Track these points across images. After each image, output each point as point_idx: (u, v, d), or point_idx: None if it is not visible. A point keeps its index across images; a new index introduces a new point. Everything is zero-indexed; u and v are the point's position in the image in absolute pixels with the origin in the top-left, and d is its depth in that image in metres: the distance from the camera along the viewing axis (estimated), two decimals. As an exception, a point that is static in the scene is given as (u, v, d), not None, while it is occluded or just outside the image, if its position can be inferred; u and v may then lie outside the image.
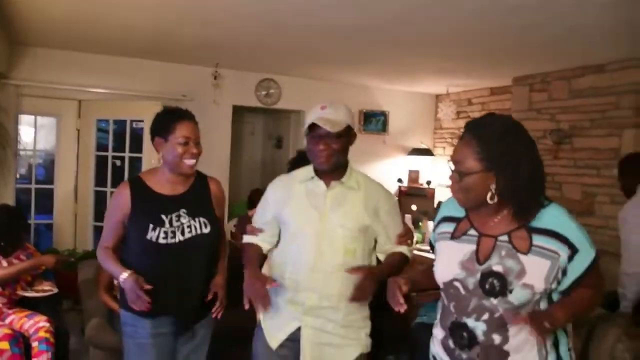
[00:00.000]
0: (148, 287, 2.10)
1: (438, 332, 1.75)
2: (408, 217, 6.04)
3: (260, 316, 2.19)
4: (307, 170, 2.14)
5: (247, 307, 1.94)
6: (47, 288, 3.33)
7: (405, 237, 2.18)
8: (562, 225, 1.55)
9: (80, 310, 3.81)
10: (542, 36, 3.93)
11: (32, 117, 5.44)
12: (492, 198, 1.56)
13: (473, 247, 1.62)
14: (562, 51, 4.43)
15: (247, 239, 2.21)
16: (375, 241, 2.16)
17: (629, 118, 4.55)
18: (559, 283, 1.56)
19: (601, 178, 4.75)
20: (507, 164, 1.53)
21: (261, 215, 2.21)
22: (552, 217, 1.57)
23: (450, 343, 1.67)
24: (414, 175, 7.05)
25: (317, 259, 2.01)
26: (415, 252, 5.21)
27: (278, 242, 2.19)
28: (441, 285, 1.71)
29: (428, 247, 5.26)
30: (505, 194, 1.56)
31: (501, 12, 3.38)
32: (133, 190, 2.22)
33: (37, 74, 5.16)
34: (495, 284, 1.55)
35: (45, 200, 5.58)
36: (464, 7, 3.31)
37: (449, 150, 7.03)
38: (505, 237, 1.58)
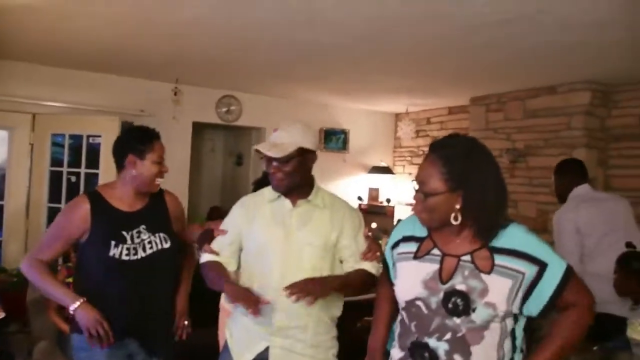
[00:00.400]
0: (109, 333, 2.02)
1: (396, 353, 1.71)
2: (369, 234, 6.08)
3: (227, 335, 2.14)
4: (272, 191, 2.13)
5: (256, 314, 1.89)
6: None
7: (370, 253, 2.12)
8: (524, 243, 1.55)
9: (28, 332, 3.67)
10: (497, 57, 4.05)
11: (-17, 131, 5.26)
12: (455, 219, 1.56)
13: (436, 266, 1.61)
14: (517, 72, 4.57)
15: (207, 257, 2.14)
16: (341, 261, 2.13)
17: (580, 138, 4.71)
18: (523, 302, 1.53)
19: (554, 196, 4.88)
20: (472, 184, 1.54)
21: (224, 238, 2.14)
22: (513, 236, 1.57)
23: None
24: (374, 193, 7.10)
25: (284, 279, 1.95)
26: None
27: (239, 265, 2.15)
28: (402, 305, 1.68)
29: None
30: (469, 213, 1.56)
31: (457, 34, 3.47)
32: (93, 205, 2.16)
33: (-11, 86, 5.00)
34: (458, 303, 1.53)
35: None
36: (424, 28, 3.39)
37: (409, 169, 7.13)
38: (468, 257, 1.57)
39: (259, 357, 2.03)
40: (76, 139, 5.48)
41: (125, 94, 5.61)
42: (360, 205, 6.93)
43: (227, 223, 2.16)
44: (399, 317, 1.71)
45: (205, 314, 2.72)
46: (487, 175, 1.56)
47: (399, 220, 6.34)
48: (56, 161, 5.48)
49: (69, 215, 2.18)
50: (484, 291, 1.52)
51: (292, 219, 2.05)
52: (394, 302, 1.85)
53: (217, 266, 2.08)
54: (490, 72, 4.60)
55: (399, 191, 6.94)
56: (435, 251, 1.63)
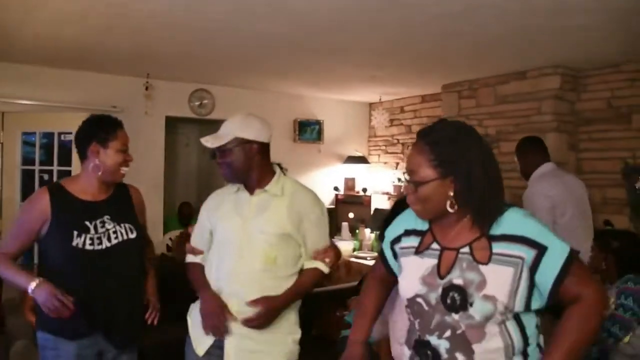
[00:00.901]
0: (70, 298, 1.97)
1: (405, 351, 1.68)
2: (345, 225, 6.11)
3: (189, 322, 2.18)
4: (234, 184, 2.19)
5: (208, 334, 2.03)
6: None
7: (324, 255, 2.15)
8: (521, 226, 1.48)
9: (4, 332, 3.62)
10: (465, 44, 4.09)
11: (-50, 131, 5.16)
12: (452, 206, 1.51)
13: (434, 261, 1.56)
14: (487, 59, 4.63)
15: (190, 258, 2.22)
16: None
17: (550, 122, 4.80)
18: (529, 298, 1.46)
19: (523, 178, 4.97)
20: (462, 168, 1.49)
21: (199, 233, 2.22)
22: (510, 220, 1.50)
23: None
24: (350, 183, 7.13)
25: (237, 264, 2.03)
26: (353, 259, 5.27)
27: None
28: (405, 303, 1.64)
29: (366, 255, 5.35)
30: (463, 199, 1.50)
31: (424, 22, 3.49)
32: (52, 196, 2.13)
33: (-45, 85, 4.90)
34: (455, 298, 1.48)
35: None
36: (388, 17, 3.40)
37: (384, 158, 7.17)
38: (466, 249, 1.52)
39: (217, 344, 2.06)
40: (48, 137, 5.40)
41: (96, 90, 5.53)
42: (337, 195, 6.96)
43: (199, 218, 2.24)
44: (406, 314, 1.67)
45: (176, 310, 2.71)
46: (475, 158, 1.50)
47: (375, 210, 6.39)
48: (28, 160, 5.40)
49: (28, 208, 2.16)
50: (482, 283, 1.45)
51: (249, 207, 2.09)
52: (383, 296, 1.87)
53: (198, 270, 2.17)
54: (460, 59, 4.64)
55: (375, 180, 6.98)
56: (435, 245, 1.59)
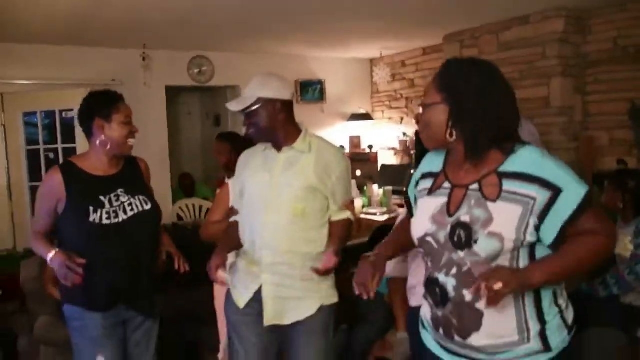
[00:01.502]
0: (81, 261, 2.05)
1: (420, 290, 1.72)
2: (353, 182, 6.12)
3: (229, 278, 2.21)
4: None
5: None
6: None
7: (351, 206, 2.27)
8: (537, 166, 1.44)
9: (27, 310, 3.69)
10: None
11: (-49, 115, 5.14)
12: (450, 135, 1.50)
13: (445, 199, 1.56)
14: (488, 4, 4.51)
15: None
16: None
17: (556, 67, 4.72)
18: (537, 231, 1.44)
19: (534, 127, 4.92)
20: (458, 96, 1.48)
21: (233, 191, 2.33)
22: (525, 159, 1.47)
23: (430, 300, 1.62)
24: (355, 141, 7.11)
25: (267, 218, 2.10)
26: (362, 215, 5.30)
27: None
28: (417, 242, 1.65)
29: (375, 210, 5.36)
30: (456, 127, 1.49)
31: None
32: (65, 174, 2.15)
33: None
34: (461, 236, 1.48)
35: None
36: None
37: (388, 113, 7.12)
38: (475, 186, 1.50)
39: (255, 297, 2.14)
40: (49, 115, 5.38)
41: (94, 65, 5.47)
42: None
43: (234, 179, 2.33)
44: (419, 249, 1.70)
45: (188, 277, 2.76)
46: (474, 88, 1.47)
47: (382, 166, 6.38)
48: (32, 140, 5.39)
49: (44, 189, 2.20)
50: (488, 221, 1.44)
51: (277, 164, 2.15)
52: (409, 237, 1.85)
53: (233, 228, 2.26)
54: (460, 7, 4.54)
55: (381, 137, 6.95)
56: (446, 184, 1.59)
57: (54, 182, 2.15)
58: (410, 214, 1.80)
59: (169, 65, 5.91)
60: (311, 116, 6.71)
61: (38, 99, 5.25)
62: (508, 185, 1.45)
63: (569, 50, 4.76)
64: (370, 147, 6.81)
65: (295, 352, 2.18)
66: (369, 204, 5.66)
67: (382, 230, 3.36)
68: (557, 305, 1.53)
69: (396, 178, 5.72)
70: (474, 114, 1.47)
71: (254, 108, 2.10)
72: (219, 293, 2.81)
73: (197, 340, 3.60)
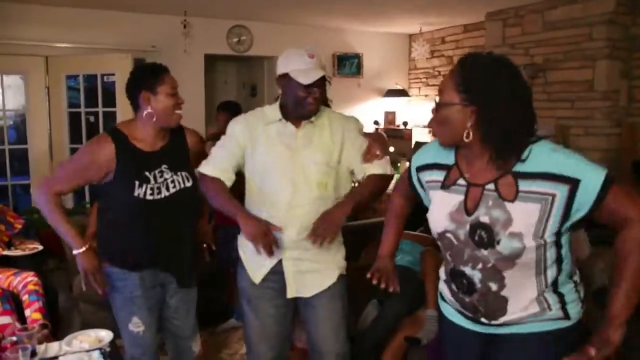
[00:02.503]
0: (107, 287, 2.21)
1: (442, 274, 1.76)
2: (386, 157, 6.10)
3: (240, 254, 2.25)
4: (273, 112, 2.17)
5: (262, 253, 2.02)
6: (31, 246, 3.33)
7: (370, 153, 2.16)
8: (550, 163, 1.45)
9: (66, 268, 3.83)
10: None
11: (-2, 77, 5.29)
12: (467, 136, 1.49)
13: (461, 197, 1.57)
14: (535, -17, 4.39)
15: (209, 169, 2.17)
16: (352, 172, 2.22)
17: (602, 49, 4.57)
18: (561, 226, 1.46)
19: (575, 110, 4.81)
20: (486, 100, 1.46)
21: (226, 154, 2.17)
22: (538, 157, 1.47)
23: (453, 287, 1.68)
24: (390, 117, 7.06)
25: (294, 195, 2.09)
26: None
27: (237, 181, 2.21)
28: (435, 235, 1.69)
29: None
30: (484, 133, 1.48)
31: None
32: (117, 145, 2.18)
33: (0, 30, 4.98)
34: (483, 236, 1.50)
35: (20, 162, 5.49)
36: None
37: (425, 90, 7.03)
38: (491, 186, 1.51)
39: (273, 270, 2.17)
40: (90, 79, 5.48)
41: (135, 31, 5.54)
42: (377, 129, 6.91)
43: (230, 138, 2.19)
44: (438, 242, 1.72)
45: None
46: (502, 93, 1.45)
47: (416, 143, 6.33)
48: (73, 103, 5.52)
49: (93, 154, 2.18)
50: (508, 221, 1.46)
51: (297, 139, 2.13)
52: (406, 210, 1.94)
53: (220, 185, 2.14)
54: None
55: (416, 113, 6.88)
56: (461, 181, 1.59)
57: (106, 152, 2.16)
58: (411, 188, 1.82)
59: (208, 34, 5.94)
60: (347, 90, 6.68)
61: (80, 63, 5.35)
62: (524, 185, 1.46)
63: (618, 31, 4.60)
64: (405, 123, 6.75)
65: (316, 317, 2.23)
66: (402, 181, 5.66)
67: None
68: (573, 281, 1.60)
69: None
70: (504, 117, 1.46)
71: (322, 80, 2.09)
72: None
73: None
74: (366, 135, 2.24)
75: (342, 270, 2.26)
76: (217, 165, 2.16)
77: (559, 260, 1.54)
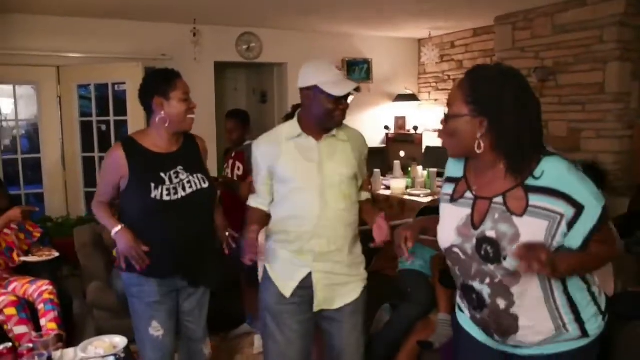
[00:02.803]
0: (146, 248, 2.18)
1: (458, 286, 1.75)
2: (397, 163, 6.10)
3: (267, 268, 2.25)
4: (291, 127, 2.17)
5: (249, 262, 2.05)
6: (47, 253, 3.36)
7: (367, 185, 2.34)
8: (563, 181, 1.44)
9: (80, 275, 3.86)
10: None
11: (10, 87, 5.34)
12: (479, 147, 1.49)
13: (469, 211, 1.57)
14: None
15: (256, 202, 2.25)
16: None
17: (613, 51, 4.55)
18: (564, 237, 1.47)
19: (586, 113, 4.79)
20: (495, 111, 1.45)
21: (257, 176, 2.22)
22: (553, 172, 1.45)
23: (466, 302, 1.68)
24: (400, 122, 7.05)
25: (323, 208, 2.10)
26: (406, 197, 5.30)
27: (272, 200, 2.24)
28: (443, 251, 1.69)
29: (419, 192, 5.35)
30: (495, 144, 1.48)
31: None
32: (127, 150, 2.23)
33: (12, 41, 5.04)
34: (489, 251, 1.50)
35: (33, 171, 5.54)
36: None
37: (434, 95, 7.03)
38: (499, 199, 1.50)
39: (301, 285, 2.16)
40: (101, 88, 5.53)
41: (145, 39, 5.59)
42: (387, 134, 6.91)
43: (255, 165, 2.22)
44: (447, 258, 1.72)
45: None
46: (511, 103, 1.45)
47: (427, 148, 6.32)
48: (85, 113, 5.57)
49: (108, 164, 2.28)
50: (515, 236, 1.45)
51: (320, 153, 2.13)
52: None
53: (253, 214, 2.23)
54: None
55: (426, 118, 6.87)
56: (469, 194, 1.59)
57: (117, 158, 2.22)
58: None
59: (218, 41, 5.98)
60: (357, 96, 6.60)
61: (92, 72, 5.40)
62: (535, 199, 1.45)
63: (629, 33, 4.57)
64: (415, 128, 6.74)
65: (339, 332, 2.23)
66: (413, 186, 5.64)
67: (426, 211, 3.37)
68: (590, 293, 1.58)
69: (440, 160, 5.64)
70: (513, 127, 1.46)
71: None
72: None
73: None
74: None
75: (365, 282, 2.28)
76: (258, 196, 2.23)
77: (563, 281, 1.53)
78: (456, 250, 1.60)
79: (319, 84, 2.04)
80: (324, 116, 2.08)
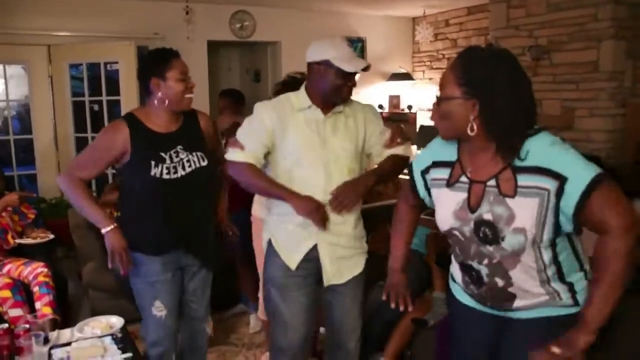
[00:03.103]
0: (131, 266, 2.21)
1: (453, 259, 1.78)
2: (407, 143, 6.11)
3: (272, 241, 2.25)
4: (300, 99, 2.16)
5: (321, 227, 2.08)
6: (42, 235, 3.36)
7: (394, 138, 2.22)
8: (546, 157, 1.44)
9: (75, 256, 3.87)
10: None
11: (0, 67, 5.28)
12: (471, 129, 1.49)
13: (465, 195, 1.58)
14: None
15: (240, 156, 2.11)
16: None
17: (608, 29, 4.53)
18: (557, 225, 1.46)
19: (580, 92, 4.79)
20: (487, 94, 1.45)
21: (254, 134, 2.13)
22: (536, 150, 1.46)
23: (465, 277, 1.71)
24: (395, 101, 7.04)
25: (327, 181, 2.11)
26: (401, 176, 5.30)
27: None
28: (444, 232, 1.70)
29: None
30: (486, 126, 1.48)
31: None
32: (131, 129, 2.22)
33: (1, 19, 4.98)
34: (487, 233, 1.52)
35: (26, 152, 5.51)
36: None
37: (429, 74, 7.01)
38: (493, 182, 1.51)
39: (307, 257, 2.18)
40: (93, 67, 5.48)
41: (137, 18, 5.54)
42: (381, 113, 6.88)
43: (258, 124, 2.14)
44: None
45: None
46: (503, 86, 1.44)
47: (421, 127, 6.33)
48: (77, 93, 5.52)
49: (110, 138, 2.23)
50: (511, 218, 1.47)
51: (325, 127, 2.15)
52: (414, 219, 1.94)
53: (259, 171, 2.12)
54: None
55: (420, 97, 6.87)
56: (464, 178, 1.59)
57: (121, 135, 2.20)
58: (416, 196, 1.82)
59: (211, 20, 5.93)
60: (351, 75, 6.64)
61: (83, 51, 5.35)
62: (522, 179, 1.46)
63: (624, 11, 4.55)
64: (410, 107, 6.74)
65: (342, 304, 2.27)
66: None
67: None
68: (582, 270, 1.61)
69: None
70: (506, 109, 1.45)
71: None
72: (258, 231, 2.71)
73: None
74: (387, 126, 2.29)
75: (366, 255, 2.32)
76: (248, 151, 2.11)
77: (556, 262, 1.54)
78: (455, 232, 1.62)
79: (331, 58, 2.05)
80: (331, 91, 2.09)
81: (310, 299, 2.24)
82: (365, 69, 2.10)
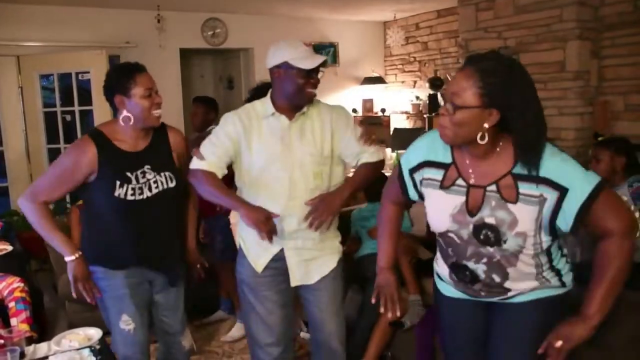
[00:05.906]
0: (98, 295, 2.19)
1: (441, 267, 1.79)
2: (378, 146, 6.15)
3: (240, 242, 2.29)
4: (264, 106, 2.17)
5: (265, 239, 2.03)
6: (1, 247, 3.31)
7: (365, 137, 2.21)
8: (546, 168, 1.48)
9: (49, 269, 3.81)
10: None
11: (-32, 78, 5.20)
12: (482, 138, 1.49)
13: (462, 198, 1.59)
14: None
15: (200, 164, 2.13)
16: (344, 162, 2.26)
17: (573, 30, 4.65)
18: (550, 229, 1.53)
19: (549, 91, 4.88)
20: (513, 104, 1.45)
21: (218, 149, 2.14)
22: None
23: (455, 277, 1.74)
24: (368, 105, 7.10)
25: (292, 188, 2.11)
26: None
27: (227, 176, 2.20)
28: (437, 234, 1.72)
29: (387, 174, 5.40)
30: (514, 136, 1.49)
31: None
32: (98, 148, 2.13)
33: (-32, 31, 4.90)
34: (489, 235, 1.55)
35: (-4, 164, 5.43)
36: None
37: (401, 77, 7.08)
38: (493, 187, 1.54)
39: (275, 258, 2.20)
40: (65, 78, 5.41)
41: (108, 27, 5.49)
42: (355, 117, 6.94)
43: (223, 135, 2.15)
44: (437, 238, 1.76)
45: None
46: (529, 97, 1.48)
47: (395, 130, 6.38)
48: (48, 104, 5.44)
49: (75, 161, 2.14)
50: (514, 222, 1.52)
51: (290, 133, 2.14)
52: (399, 216, 1.95)
53: (216, 179, 2.12)
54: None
55: (393, 100, 6.93)
56: (460, 182, 1.60)
57: (88, 154, 2.11)
58: (404, 194, 1.82)
59: (183, 27, 5.91)
60: (324, 79, 6.55)
61: (54, 61, 5.28)
62: (523, 187, 1.51)
63: (587, 12, 4.67)
64: (383, 110, 6.79)
65: (320, 299, 2.28)
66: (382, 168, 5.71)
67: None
68: (564, 256, 1.72)
69: (409, 142, 5.66)
70: (536, 120, 1.49)
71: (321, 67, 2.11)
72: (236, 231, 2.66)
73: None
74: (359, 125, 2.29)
75: (340, 254, 2.32)
76: (209, 161, 2.13)
77: (548, 253, 1.64)
78: (451, 235, 1.65)
79: (289, 59, 2.06)
80: (295, 92, 2.09)
81: (284, 296, 2.26)
82: (323, 64, 2.11)
